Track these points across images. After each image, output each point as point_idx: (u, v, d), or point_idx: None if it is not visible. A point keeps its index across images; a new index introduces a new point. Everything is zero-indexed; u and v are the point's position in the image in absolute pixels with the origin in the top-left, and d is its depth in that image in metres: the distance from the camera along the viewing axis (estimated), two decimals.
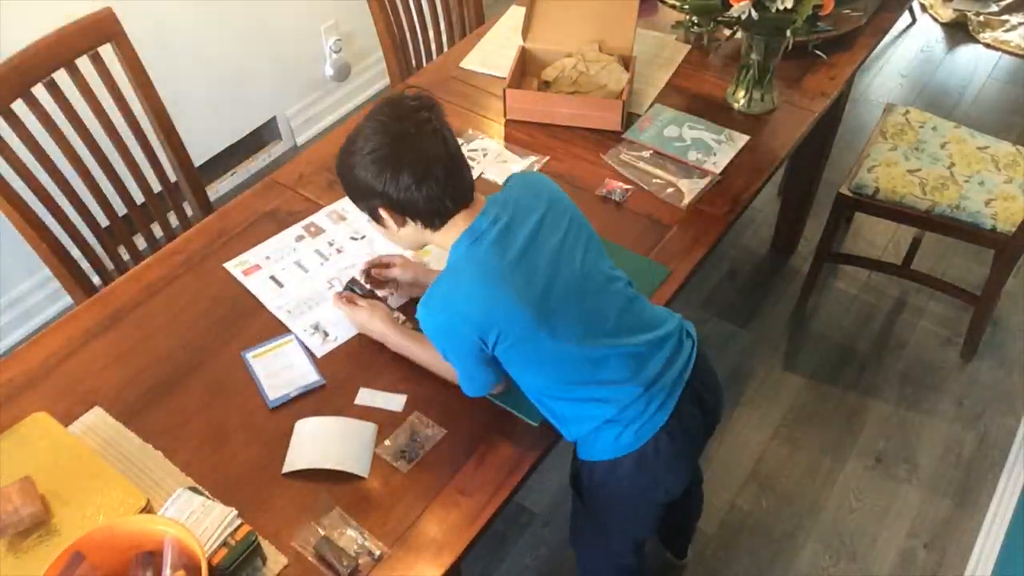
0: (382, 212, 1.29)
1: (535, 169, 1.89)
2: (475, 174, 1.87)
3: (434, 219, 1.28)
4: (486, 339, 1.27)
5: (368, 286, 1.60)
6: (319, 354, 1.53)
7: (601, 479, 1.45)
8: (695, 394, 1.42)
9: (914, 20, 3.85)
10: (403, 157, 1.22)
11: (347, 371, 1.51)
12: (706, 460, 2.30)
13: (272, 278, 1.66)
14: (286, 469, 1.35)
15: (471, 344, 1.29)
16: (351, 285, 1.60)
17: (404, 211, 1.27)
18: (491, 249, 1.27)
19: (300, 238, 1.74)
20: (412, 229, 1.30)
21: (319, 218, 1.78)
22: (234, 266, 1.68)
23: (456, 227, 1.29)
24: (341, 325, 1.58)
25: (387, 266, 1.61)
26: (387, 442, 1.39)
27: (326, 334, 1.56)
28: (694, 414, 1.42)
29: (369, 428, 1.40)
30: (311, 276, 1.67)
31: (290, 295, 1.63)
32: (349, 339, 1.56)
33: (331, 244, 1.73)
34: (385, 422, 1.43)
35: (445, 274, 1.30)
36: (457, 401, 1.45)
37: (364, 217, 1.36)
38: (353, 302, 1.55)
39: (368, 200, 1.29)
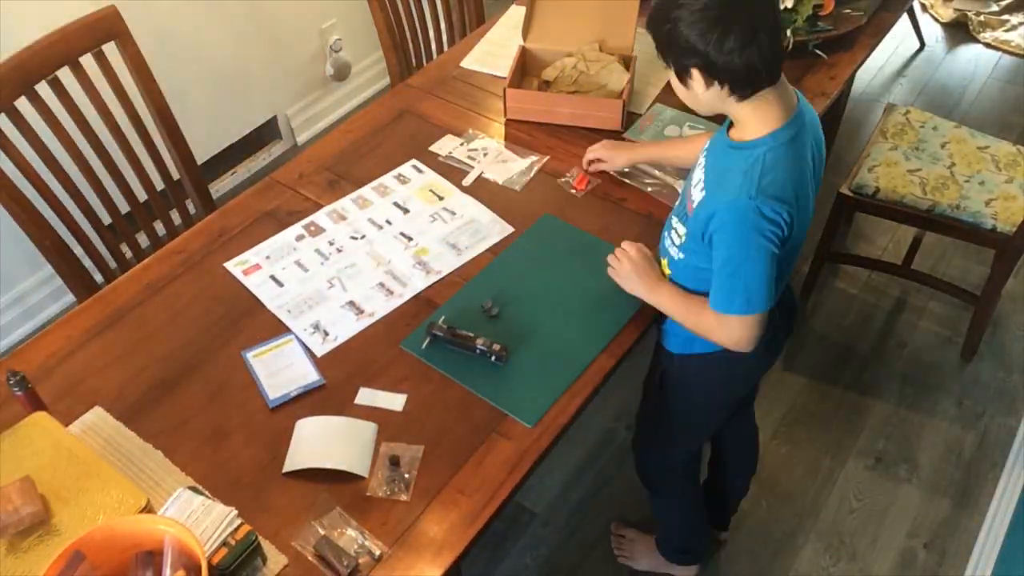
0: (694, 72, 1.25)
1: (535, 170, 1.89)
2: (475, 174, 1.87)
3: (746, 88, 1.25)
4: (790, 237, 1.30)
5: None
6: (319, 353, 1.53)
7: (695, 369, 1.55)
8: (782, 304, 1.51)
9: (923, 46, 3.81)
10: (734, 19, 1.18)
11: (347, 371, 1.51)
12: (705, 460, 2.30)
13: (272, 277, 1.66)
14: (286, 469, 1.35)
15: (772, 239, 1.28)
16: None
17: (719, 75, 1.23)
18: (800, 149, 1.29)
19: (300, 237, 1.74)
20: (715, 94, 1.27)
21: (319, 217, 1.78)
22: (234, 265, 1.68)
23: (761, 104, 1.27)
24: (341, 324, 1.57)
25: (597, 160, 1.64)
26: (372, 482, 1.34)
27: (326, 333, 1.56)
28: (781, 313, 1.52)
29: (370, 427, 1.41)
30: (311, 275, 1.67)
31: (290, 294, 1.63)
32: (349, 339, 1.56)
33: (331, 243, 1.73)
34: (384, 422, 1.43)
35: (760, 163, 1.27)
36: (455, 401, 1.45)
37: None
38: (625, 261, 1.49)
39: (683, 57, 1.24)
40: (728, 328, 1.38)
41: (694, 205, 1.38)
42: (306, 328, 1.57)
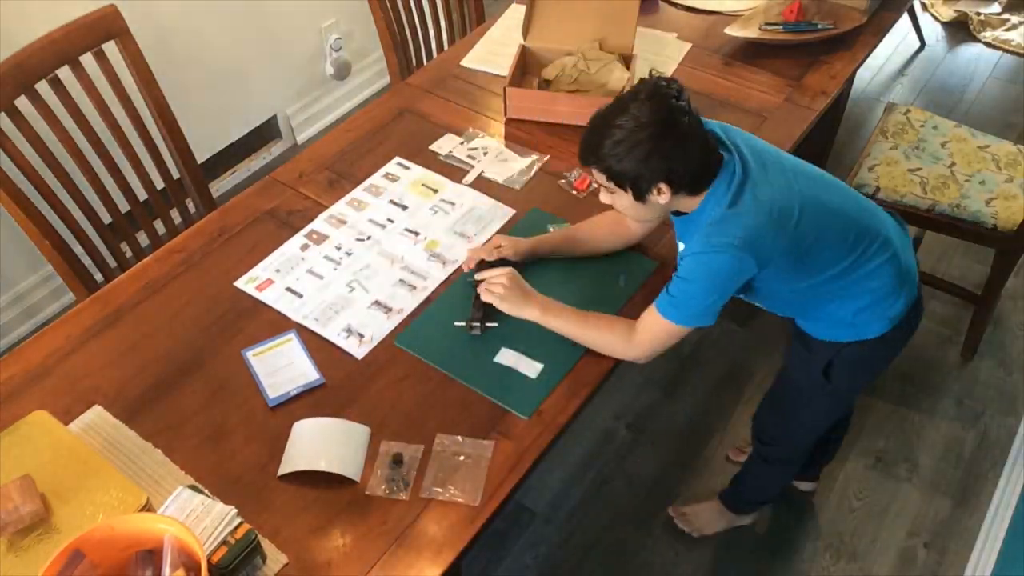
0: (662, 187, 1.35)
1: (535, 169, 1.89)
2: (475, 173, 1.87)
3: (700, 185, 1.39)
4: (757, 272, 1.40)
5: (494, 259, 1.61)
6: (359, 356, 1.52)
7: (870, 352, 1.60)
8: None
9: (923, 45, 3.81)
10: (687, 138, 1.34)
11: (347, 370, 1.51)
12: (705, 460, 2.31)
13: (289, 290, 1.65)
14: (281, 472, 1.35)
15: (739, 279, 1.40)
16: (479, 268, 1.59)
17: (682, 183, 1.36)
18: (749, 188, 1.38)
19: (305, 247, 1.73)
20: (671, 200, 1.38)
21: (319, 225, 1.77)
22: (245, 283, 1.66)
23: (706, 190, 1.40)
24: (373, 325, 1.57)
25: (496, 247, 1.63)
26: (371, 481, 1.34)
27: (361, 336, 1.56)
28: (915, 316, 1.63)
29: (363, 431, 1.40)
30: (328, 282, 1.66)
31: (312, 303, 1.62)
32: (384, 337, 1.55)
33: (339, 248, 1.72)
34: (385, 422, 1.43)
35: (717, 219, 1.37)
36: (455, 401, 1.45)
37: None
38: (497, 285, 1.52)
39: (650, 178, 1.34)
40: (637, 338, 1.47)
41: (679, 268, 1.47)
42: (339, 333, 1.56)
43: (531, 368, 1.49)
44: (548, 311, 1.50)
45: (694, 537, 2.13)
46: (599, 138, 1.35)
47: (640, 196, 1.38)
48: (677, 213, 1.47)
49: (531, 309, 1.50)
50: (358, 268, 1.69)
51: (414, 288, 1.64)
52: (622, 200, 1.42)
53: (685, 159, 1.34)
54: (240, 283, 1.66)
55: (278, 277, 1.67)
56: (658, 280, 1.63)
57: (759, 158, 1.43)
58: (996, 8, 3.93)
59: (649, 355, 1.48)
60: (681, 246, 1.47)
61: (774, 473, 1.98)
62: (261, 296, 1.64)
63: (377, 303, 1.62)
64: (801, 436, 1.87)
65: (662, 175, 1.34)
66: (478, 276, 1.56)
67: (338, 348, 1.54)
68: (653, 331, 1.45)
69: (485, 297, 1.53)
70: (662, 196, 1.37)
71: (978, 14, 3.89)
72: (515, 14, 2.35)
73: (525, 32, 2.10)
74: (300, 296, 1.63)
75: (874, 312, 1.55)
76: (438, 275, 1.66)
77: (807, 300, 1.56)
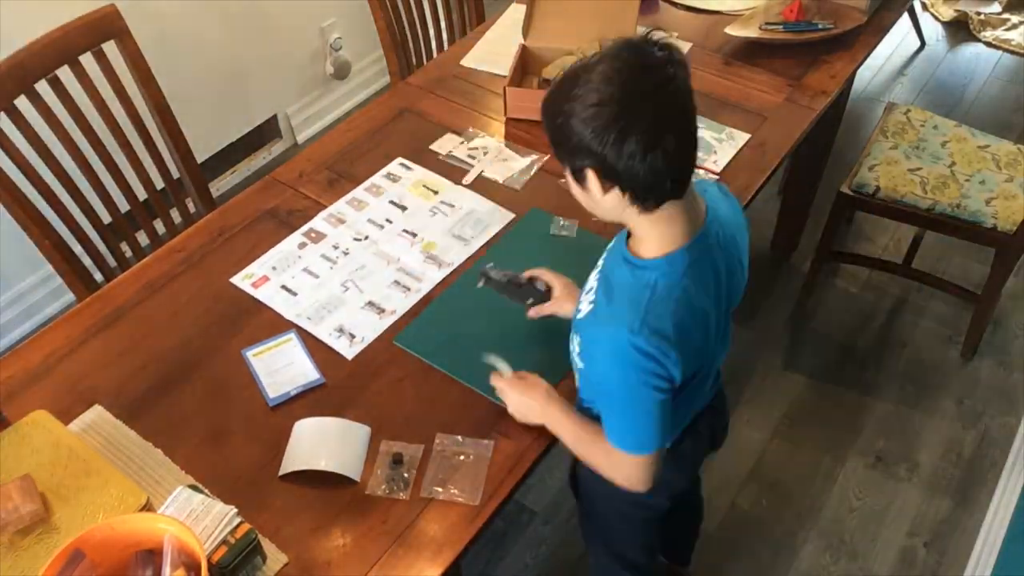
0: (589, 174, 1.07)
1: (535, 168, 1.88)
2: (475, 172, 1.87)
3: (648, 197, 1.07)
4: (678, 380, 1.13)
5: (534, 287, 1.49)
6: (349, 356, 1.52)
7: (599, 486, 1.35)
8: (713, 410, 1.42)
9: (923, 44, 3.81)
10: (635, 119, 1.00)
11: (347, 369, 1.51)
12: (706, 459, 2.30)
13: (284, 287, 1.65)
14: (282, 472, 1.35)
15: (657, 378, 1.12)
16: (516, 286, 1.48)
17: (618, 180, 1.05)
18: (702, 274, 1.12)
19: (303, 245, 1.73)
20: (616, 200, 1.09)
21: (318, 223, 1.77)
22: (241, 279, 1.66)
23: (664, 219, 1.10)
24: (365, 325, 1.57)
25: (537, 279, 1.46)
26: (371, 481, 1.34)
27: (352, 336, 1.56)
28: (701, 434, 1.43)
29: (363, 430, 1.40)
30: (323, 281, 1.66)
31: (306, 302, 1.62)
32: (375, 339, 1.55)
33: (336, 247, 1.72)
34: (385, 421, 1.43)
35: (649, 290, 1.10)
36: (455, 400, 1.45)
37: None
38: (519, 382, 1.36)
39: (576, 157, 1.08)
40: (619, 463, 1.24)
41: (581, 315, 1.23)
42: (331, 333, 1.56)
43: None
44: (554, 422, 1.34)
45: None
46: (547, 102, 1.11)
47: (577, 180, 1.12)
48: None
49: (539, 417, 1.35)
50: (354, 268, 1.68)
51: (408, 290, 1.64)
52: (571, 182, 1.16)
53: (621, 149, 1.01)
54: (236, 279, 1.66)
55: (274, 275, 1.67)
56: None
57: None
58: (996, 8, 3.93)
59: (646, 486, 1.25)
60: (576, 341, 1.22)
61: None
62: (256, 293, 1.64)
63: (370, 303, 1.61)
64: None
65: (591, 159, 1.05)
66: (532, 313, 1.47)
67: (330, 348, 1.54)
68: (627, 465, 1.23)
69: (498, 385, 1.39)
70: (599, 188, 1.08)
71: (978, 14, 3.89)
72: (515, 14, 2.35)
73: (525, 32, 2.10)
74: (295, 294, 1.63)
75: None
76: (433, 277, 1.66)
77: None
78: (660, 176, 1.04)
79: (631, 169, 1.03)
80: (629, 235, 1.19)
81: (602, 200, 1.11)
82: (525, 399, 1.36)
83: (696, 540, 2.05)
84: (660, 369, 1.11)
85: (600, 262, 1.27)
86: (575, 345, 1.25)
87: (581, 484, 1.49)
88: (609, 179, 1.06)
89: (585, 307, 1.22)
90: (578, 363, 1.26)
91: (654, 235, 1.13)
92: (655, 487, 1.26)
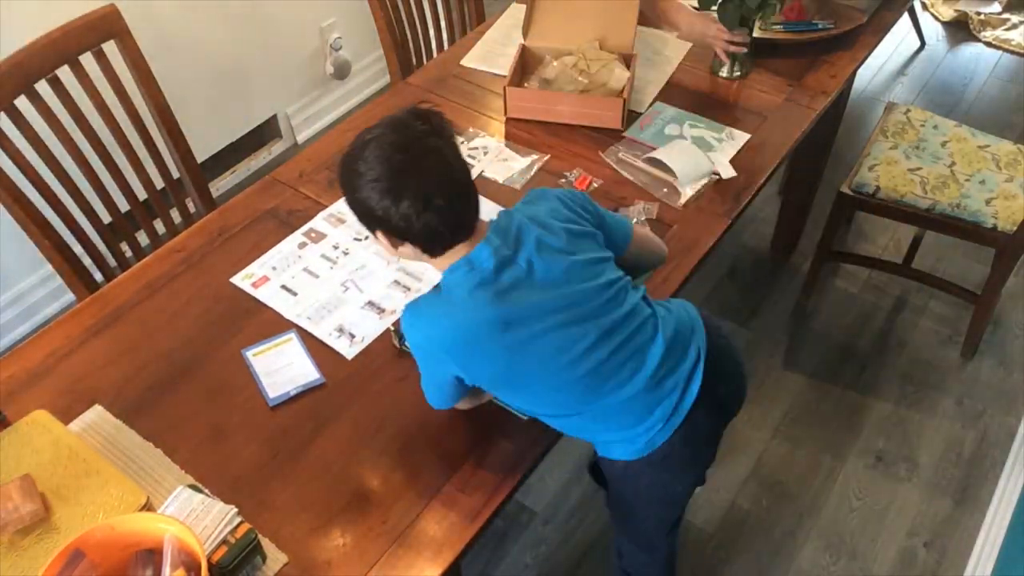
0: (379, 234, 1.24)
1: (535, 168, 1.89)
2: (475, 172, 1.87)
3: (433, 247, 1.24)
4: (462, 376, 1.28)
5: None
6: (349, 356, 1.53)
7: (619, 474, 1.46)
8: (709, 389, 1.39)
9: (923, 44, 3.81)
10: (404, 187, 1.17)
11: (348, 370, 1.51)
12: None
13: (284, 287, 1.65)
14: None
15: (446, 371, 1.29)
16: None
17: (403, 236, 1.22)
18: (482, 290, 1.22)
19: (303, 245, 1.73)
20: (410, 250, 1.25)
21: (318, 223, 1.77)
22: (241, 279, 1.66)
23: (456, 255, 1.25)
24: (364, 325, 1.57)
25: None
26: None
27: (352, 336, 1.56)
28: (709, 410, 1.41)
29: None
30: (323, 281, 1.66)
31: (306, 302, 1.62)
32: (375, 339, 1.55)
33: (336, 247, 1.72)
34: (385, 422, 1.42)
35: (438, 293, 1.26)
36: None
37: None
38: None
39: (366, 220, 1.24)
40: None
41: None
42: (331, 333, 1.56)
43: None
44: None
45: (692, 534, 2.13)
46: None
47: (375, 235, 1.26)
48: None
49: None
50: (354, 268, 1.69)
51: (408, 290, 1.64)
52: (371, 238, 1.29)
53: (396, 211, 1.17)
54: (236, 279, 1.66)
55: (274, 275, 1.67)
56: (670, 286, 1.63)
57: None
58: (996, 7, 3.93)
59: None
60: None
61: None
62: (256, 293, 1.64)
63: (370, 303, 1.62)
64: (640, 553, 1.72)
65: (374, 223, 1.22)
66: None
67: (330, 348, 1.54)
68: None
69: None
70: (391, 245, 1.24)
71: (978, 14, 3.89)
72: (515, 14, 2.35)
73: (525, 32, 2.10)
74: (295, 294, 1.63)
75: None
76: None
77: None
78: (436, 230, 1.20)
79: (411, 227, 1.19)
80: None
81: (399, 252, 1.26)
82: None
83: None
84: (441, 359, 1.27)
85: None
86: None
87: (604, 470, 1.51)
88: (397, 236, 1.22)
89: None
90: None
91: (448, 265, 1.26)
92: (677, 473, 1.44)
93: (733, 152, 1.90)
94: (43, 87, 1.78)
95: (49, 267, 1.89)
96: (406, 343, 1.51)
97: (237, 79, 2.99)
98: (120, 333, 1.58)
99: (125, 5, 1.88)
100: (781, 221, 2.83)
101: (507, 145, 1.95)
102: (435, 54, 2.54)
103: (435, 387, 1.35)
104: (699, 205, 1.79)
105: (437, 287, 1.27)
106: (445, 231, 1.21)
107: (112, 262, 1.99)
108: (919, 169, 2.37)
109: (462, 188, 1.21)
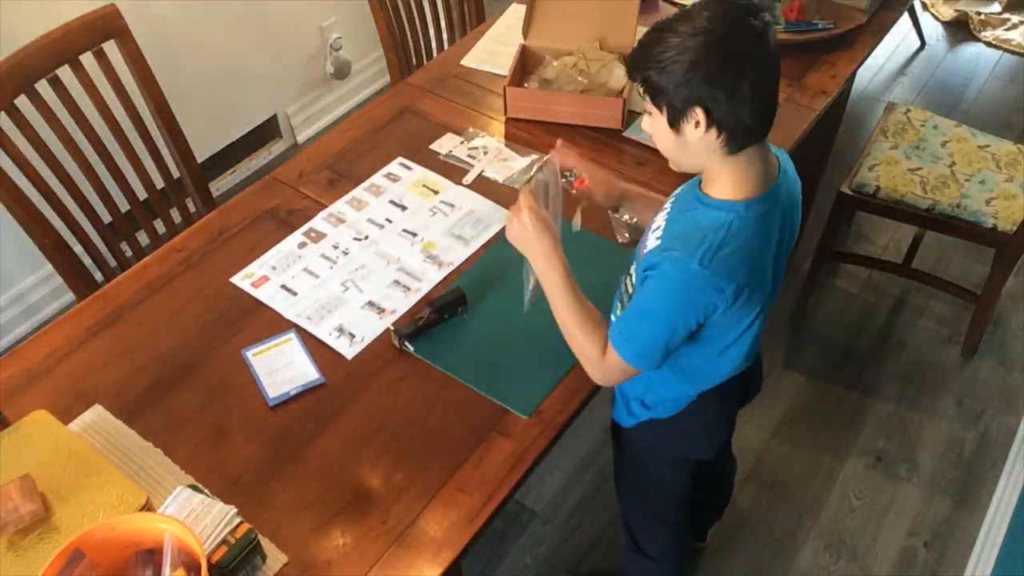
0: (698, 114, 1.12)
1: (535, 168, 1.88)
2: (475, 172, 1.87)
3: (741, 140, 1.15)
4: (711, 315, 1.21)
5: None
6: (349, 356, 1.52)
7: (639, 433, 1.49)
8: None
9: (923, 44, 3.81)
10: (748, 63, 1.09)
11: (348, 369, 1.51)
12: None
13: (284, 287, 1.65)
14: None
15: (698, 312, 1.20)
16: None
17: (722, 122, 1.12)
18: (768, 227, 1.20)
19: (303, 245, 1.73)
20: (707, 144, 1.16)
21: (318, 223, 1.77)
22: (241, 279, 1.66)
23: (745, 163, 1.18)
24: (364, 325, 1.57)
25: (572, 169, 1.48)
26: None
27: (352, 336, 1.56)
28: (734, 382, 1.44)
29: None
30: (323, 281, 1.66)
31: (306, 302, 1.62)
32: (375, 339, 1.55)
33: (335, 247, 1.72)
34: (385, 420, 1.42)
35: (724, 230, 1.16)
36: (454, 400, 1.45)
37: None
38: (537, 212, 1.31)
39: (687, 97, 1.12)
40: (605, 360, 1.29)
41: (646, 250, 1.27)
42: (331, 332, 1.56)
43: None
44: (550, 265, 1.31)
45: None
46: (650, 44, 1.13)
47: (674, 121, 1.16)
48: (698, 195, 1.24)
49: (533, 250, 1.32)
50: (354, 268, 1.68)
51: (408, 290, 1.64)
52: (658, 126, 1.20)
53: (735, 89, 1.09)
54: (236, 279, 1.66)
55: (274, 274, 1.67)
56: None
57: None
58: (996, 7, 3.93)
59: (609, 385, 1.40)
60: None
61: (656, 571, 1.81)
62: (256, 293, 1.64)
63: (370, 303, 1.61)
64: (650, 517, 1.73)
65: (702, 98, 1.11)
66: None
67: (330, 348, 1.54)
68: (611, 364, 1.29)
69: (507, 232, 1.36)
70: (698, 129, 1.14)
71: (978, 13, 3.89)
72: (515, 14, 2.35)
73: (525, 32, 2.10)
74: (295, 294, 1.63)
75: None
76: (433, 277, 1.66)
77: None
78: (759, 119, 1.13)
79: (738, 110, 1.11)
80: (700, 182, 1.26)
81: (693, 141, 1.17)
82: (532, 230, 1.31)
83: (718, 519, 2.07)
84: (708, 305, 1.19)
85: (667, 205, 1.33)
86: (628, 285, 1.32)
87: (624, 434, 1.53)
88: (715, 120, 1.13)
89: (651, 242, 1.27)
90: (625, 299, 1.32)
91: (735, 178, 1.20)
92: (696, 438, 1.46)
93: None
94: (43, 87, 1.79)
95: (49, 267, 1.89)
96: (406, 343, 1.51)
97: (237, 79, 2.99)
98: (120, 333, 1.58)
99: (125, 5, 1.88)
100: None
101: (507, 145, 1.95)
102: (435, 54, 2.54)
103: (654, 337, 1.24)
104: None
105: (717, 221, 1.18)
106: (763, 122, 1.15)
107: (112, 262, 1.99)
108: (919, 169, 2.37)
109: (779, 77, 1.17)
